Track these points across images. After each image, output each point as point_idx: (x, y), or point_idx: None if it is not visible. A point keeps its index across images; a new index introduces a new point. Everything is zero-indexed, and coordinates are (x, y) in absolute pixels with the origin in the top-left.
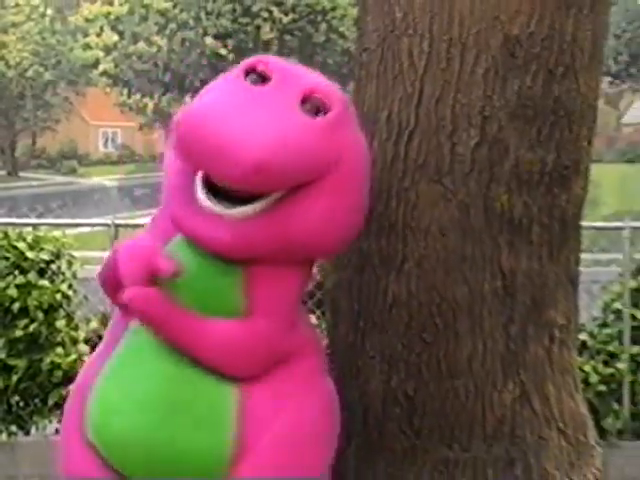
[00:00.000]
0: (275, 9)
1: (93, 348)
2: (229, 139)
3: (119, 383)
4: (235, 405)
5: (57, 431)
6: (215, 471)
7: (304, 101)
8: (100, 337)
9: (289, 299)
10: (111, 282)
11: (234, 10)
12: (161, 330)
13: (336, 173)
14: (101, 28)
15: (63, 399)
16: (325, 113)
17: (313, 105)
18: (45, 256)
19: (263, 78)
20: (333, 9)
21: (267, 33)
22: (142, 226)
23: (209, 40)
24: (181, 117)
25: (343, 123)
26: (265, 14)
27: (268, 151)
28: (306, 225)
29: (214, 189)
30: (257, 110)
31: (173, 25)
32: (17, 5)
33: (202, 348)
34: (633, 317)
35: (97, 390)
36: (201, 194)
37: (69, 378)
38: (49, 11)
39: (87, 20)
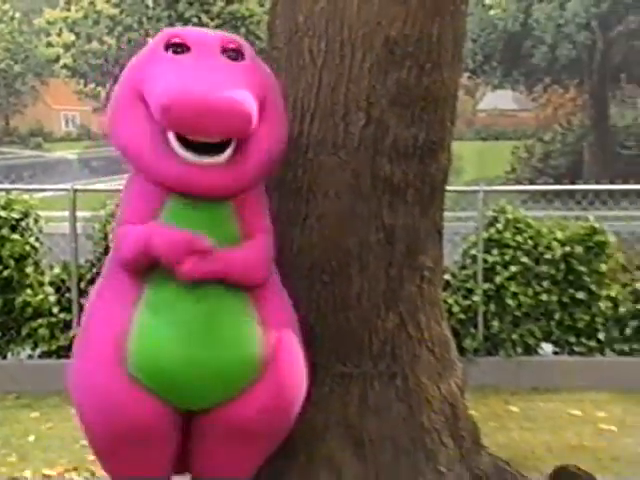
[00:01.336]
0: (203, 15)
1: (57, 289)
2: (226, 104)
3: (158, 325)
4: (254, 317)
5: (30, 357)
6: (250, 375)
7: (224, 52)
8: (63, 281)
9: (266, 214)
10: (142, 261)
11: (170, 16)
12: (212, 275)
13: (267, 107)
14: (61, 29)
15: (34, 330)
16: (242, 57)
17: (232, 53)
18: (16, 215)
19: (182, 47)
20: (250, 16)
21: None
22: (97, 191)
23: (150, 40)
24: (175, 101)
25: (258, 61)
26: (195, 19)
27: (251, 105)
28: (260, 154)
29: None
30: (216, 75)
31: (120, 28)
32: None
33: (236, 272)
34: (485, 261)
35: (139, 335)
36: (186, 153)
37: (38, 313)
38: (17, 15)
39: (49, 23)
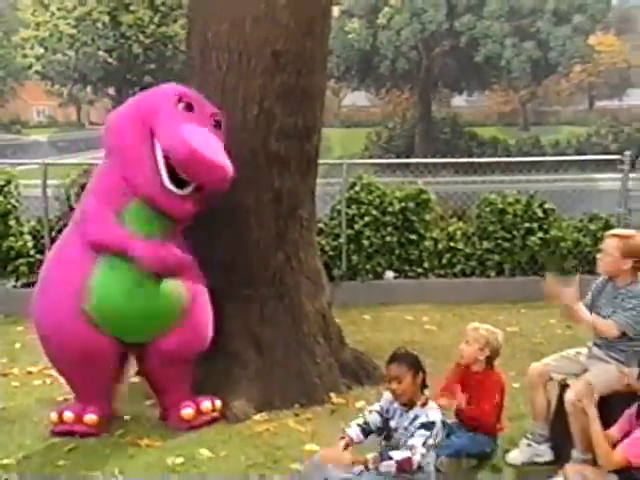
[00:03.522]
0: (141, 35)
1: (33, 237)
2: (217, 162)
3: (113, 283)
4: (182, 282)
5: (15, 286)
6: (176, 319)
7: (211, 118)
8: (37, 231)
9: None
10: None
11: (115, 35)
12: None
13: None
14: (33, 45)
15: (16, 267)
16: (220, 127)
17: (216, 123)
18: (1, 182)
19: (189, 106)
20: (175, 35)
21: (136, 49)
22: (62, 165)
23: (101, 53)
24: (191, 151)
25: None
26: (134, 37)
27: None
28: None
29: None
30: (213, 137)
31: (78, 43)
32: None
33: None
34: (347, 213)
35: (98, 288)
36: (170, 185)
37: (20, 255)
38: None
39: (24, 39)
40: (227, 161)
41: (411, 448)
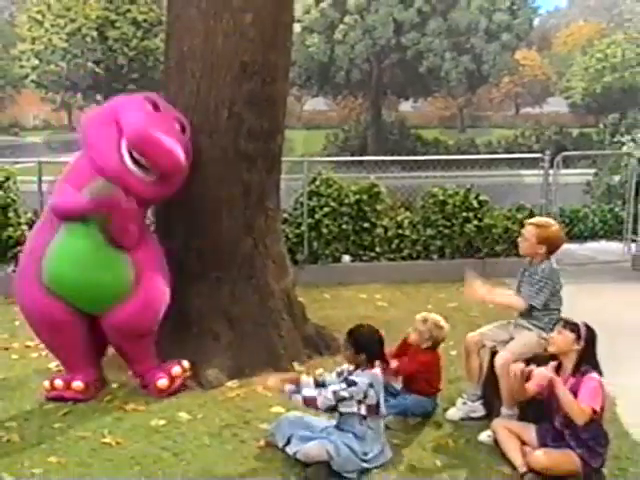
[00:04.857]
0: (125, 48)
1: (30, 227)
2: (168, 147)
3: (64, 253)
4: (129, 260)
5: (14, 271)
6: (122, 294)
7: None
8: (33, 221)
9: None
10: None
11: (102, 48)
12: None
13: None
14: (29, 57)
15: (15, 254)
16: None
17: (178, 126)
18: (1, 179)
19: (155, 105)
20: (157, 49)
21: (121, 61)
22: (56, 163)
23: (90, 64)
24: (144, 132)
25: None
26: (120, 50)
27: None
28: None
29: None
30: (171, 131)
31: (69, 56)
32: None
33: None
34: (308, 205)
35: (50, 258)
36: (131, 164)
37: (18, 243)
38: None
39: (21, 52)
40: (179, 149)
41: (320, 392)
